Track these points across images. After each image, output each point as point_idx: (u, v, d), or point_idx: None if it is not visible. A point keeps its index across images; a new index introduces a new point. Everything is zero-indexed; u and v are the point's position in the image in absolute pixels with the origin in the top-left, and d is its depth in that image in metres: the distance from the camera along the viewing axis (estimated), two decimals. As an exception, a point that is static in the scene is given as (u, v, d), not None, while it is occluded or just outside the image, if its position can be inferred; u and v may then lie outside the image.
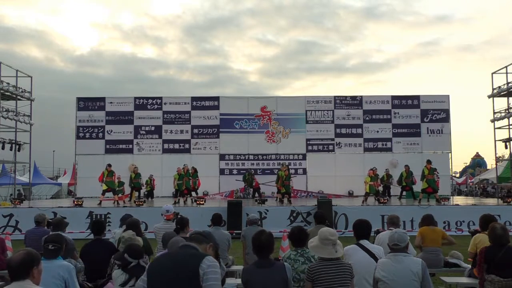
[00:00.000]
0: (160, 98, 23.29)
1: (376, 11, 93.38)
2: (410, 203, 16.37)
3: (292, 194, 18.17)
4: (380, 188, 17.81)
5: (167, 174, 20.21)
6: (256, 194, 19.13)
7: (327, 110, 23.04)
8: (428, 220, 6.93)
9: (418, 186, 17.61)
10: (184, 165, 18.46)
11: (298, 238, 4.53)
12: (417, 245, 6.73)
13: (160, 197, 20.40)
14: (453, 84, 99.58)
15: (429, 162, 16.42)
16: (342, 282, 3.78)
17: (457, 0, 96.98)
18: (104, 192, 16.84)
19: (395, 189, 19.01)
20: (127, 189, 18.78)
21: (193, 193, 18.61)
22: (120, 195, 17.59)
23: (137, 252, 3.94)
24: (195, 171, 18.77)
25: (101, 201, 16.55)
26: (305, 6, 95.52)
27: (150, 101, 23.16)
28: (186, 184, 17.93)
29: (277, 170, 19.17)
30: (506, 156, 26.93)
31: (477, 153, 41.28)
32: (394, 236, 4.08)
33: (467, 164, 43.23)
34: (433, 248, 6.64)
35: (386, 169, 18.65)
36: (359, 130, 22.91)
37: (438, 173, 16.73)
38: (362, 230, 4.67)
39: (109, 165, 17.14)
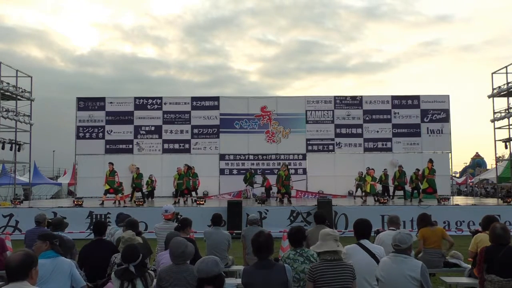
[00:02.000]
0: (160, 98, 23.28)
1: (377, 11, 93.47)
2: (409, 203, 16.38)
3: (295, 195, 18.10)
4: (378, 186, 17.89)
5: (167, 174, 20.20)
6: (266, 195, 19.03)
7: (327, 110, 23.04)
8: (426, 221, 6.86)
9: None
10: (185, 165, 18.45)
11: (296, 238, 4.54)
12: (419, 248, 6.69)
13: (160, 197, 20.38)
14: (453, 84, 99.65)
15: (431, 161, 16.42)
16: (344, 283, 3.77)
17: (458, 0, 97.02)
18: (106, 192, 16.84)
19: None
20: (127, 189, 18.78)
21: (193, 193, 18.61)
22: (120, 195, 17.60)
23: (130, 256, 3.92)
24: (194, 171, 18.76)
25: (103, 201, 16.56)
26: (306, 6, 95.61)
27: (150, 101, 23.16)
28: (186, 184, 17.95)
29: (277, 170, 19.16)
30: (506, 156, 26.93)
31: (477, 153, 41.28)
32: (397, 237, 4.07)
33: (467, 164, 43.21)
34: (433, 250, 6.63)
35: (384, 169, 18.67)
36: (359, 130, 22.90)
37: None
38: (363, 230, 4.66)
39: (111, 164, 17.14)
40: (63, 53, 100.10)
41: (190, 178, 18.23)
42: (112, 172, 16.91)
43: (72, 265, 4.24)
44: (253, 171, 20.66)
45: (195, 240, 5.95)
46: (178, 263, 3.96)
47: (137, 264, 3.93)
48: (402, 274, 3.89)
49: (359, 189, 19.15)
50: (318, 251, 3.92)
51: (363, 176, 18.24)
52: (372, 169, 17.30)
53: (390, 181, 18.25)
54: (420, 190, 16.69)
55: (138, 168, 18.91)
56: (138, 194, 18.34)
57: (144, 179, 18.79)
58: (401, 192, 18.21)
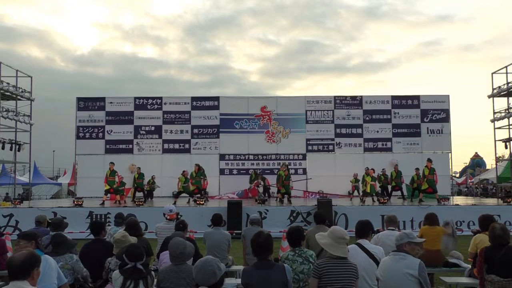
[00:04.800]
0: (160, 98, 23.27)
1: (378, 11, 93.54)
2: (410, 203, 16.38)
3: (303, 195, 17.95)
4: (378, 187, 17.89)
5: (167, 174, 20.19)
6: (266, 194, 19.01)
7: (327, 110, 23.03)
8: (430, 220, 6.86)
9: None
10: (196, 165, 18.03)
11: (294, 238, 4.54)
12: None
13: (160, 197, 20.38)
14: (453, 84, 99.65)
15: (429, 160, 16.41)
16: (347, 281, 3.81)
17: (459, 0, 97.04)
18: (106, 192, 16.83)
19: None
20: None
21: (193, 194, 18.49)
22: (121, 194, 17.60)
23: (135, 254, 3.92)
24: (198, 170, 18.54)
25: (104, 201, 16.56)
26: (307, 6, 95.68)
27: (150, 101, 23.15)
28: (197, 184, 17.50)
29: (277, 170, 19.16)
30: (506, 156, 26.90)
31: (476, 153, 41.26)
32: (396, 235, 4.25)
33: (467, 164, 43.20)
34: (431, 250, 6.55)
35: (383, 169, 18.67)
36: (359, 130, 22.89)
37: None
38: (363, 229, 4.69)
39: (112, 164, 17.12)
40: (63, 53, 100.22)
41: (204, 178, 17.91)
42: (113, 172, 16.92)
43: (55, 262, 4.32)
44: (257, 171, 20.62)
45: (195, 240, 5.96)
46: (177, 264, 3.96)
47: (143, 263, 3.94)
48: (401, 272, 3.92)
49: (355, 191, 19.20)
50: (331, 254, 3.91)
51: (358, 177, 18.27)
52: (372, 169, 17.29)
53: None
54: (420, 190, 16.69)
55: (139, 168, 18.93)
56: (140, 194, 18.32)
57: (145, 179, 18.75)
58: (398, 192, 18.22)
